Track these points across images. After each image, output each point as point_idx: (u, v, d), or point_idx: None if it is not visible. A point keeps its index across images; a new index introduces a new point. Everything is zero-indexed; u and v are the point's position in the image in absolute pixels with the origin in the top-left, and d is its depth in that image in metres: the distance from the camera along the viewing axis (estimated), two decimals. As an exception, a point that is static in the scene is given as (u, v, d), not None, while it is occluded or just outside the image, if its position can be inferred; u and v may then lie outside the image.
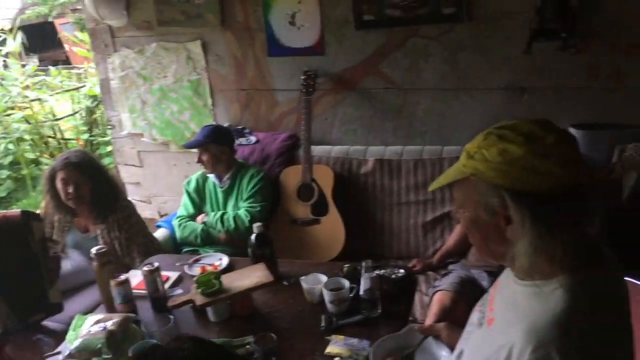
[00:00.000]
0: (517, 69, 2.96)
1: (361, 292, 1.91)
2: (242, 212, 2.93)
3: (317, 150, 3.24)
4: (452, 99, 3.12)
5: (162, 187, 3.95)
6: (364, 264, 1.91)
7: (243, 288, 1.93)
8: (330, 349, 1.73)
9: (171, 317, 1.80)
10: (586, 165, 2.73)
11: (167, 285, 2.21)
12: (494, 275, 2.37)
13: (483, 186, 1.05)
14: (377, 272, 2.03)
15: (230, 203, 3.03)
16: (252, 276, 2.00)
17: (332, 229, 3.04)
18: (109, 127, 4.00)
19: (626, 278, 1.93)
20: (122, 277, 2.01)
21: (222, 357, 1.00)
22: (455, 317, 2.04)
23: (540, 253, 1.01)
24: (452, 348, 1.41)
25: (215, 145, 2.96)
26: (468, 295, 2.32)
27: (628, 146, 2.78)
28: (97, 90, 5.38)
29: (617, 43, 2.77)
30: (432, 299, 2.44)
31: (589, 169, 2.78)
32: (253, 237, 2.17)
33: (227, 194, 3.04)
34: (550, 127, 1.03)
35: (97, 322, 1.78)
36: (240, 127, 3.52)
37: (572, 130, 2.85)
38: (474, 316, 1.27)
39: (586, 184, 1.04)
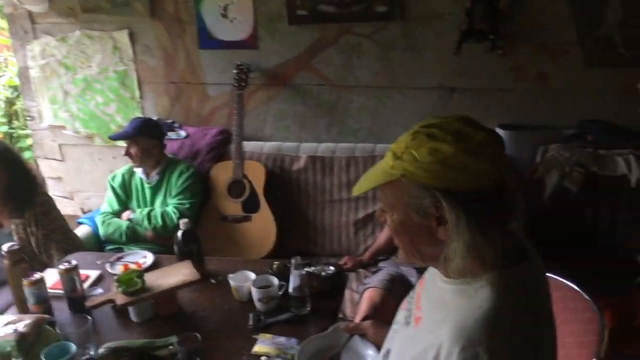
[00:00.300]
0: (447, 69, 3.01)
1: (290, 290, 1.87)
2: (170, 209, 2.83)
3: (249, 146, 3.18)
4: (384, 97, 3.14)
5: (85, 183, 3.76)
6: (293, 260, 1.87)
7: (167, 287, 1.86)
8: (257, 348, 1.68)
9: (89, 318, 1.70)
10: (511, 164, 2.81)
11: (86, 285, 2.09)
12: (422, 271, 2.39)
13: (414, 187, 1.02)
14: (306, 269, 2.00)
15: (158, 199, 2.92)
16: (177, 274, 1.92)
17: (263, 227, 2.99)
18: (28, 118, 3.77)
19: (548, 274, 2.01)
20: (36, 276, 1.88)
21: None
22: (385, 314, 2.02)
23: (473, 252, 0.99)
24: (378, 347, 1.39)
25: (145, 138, 2.84)
26: (398, 292, 2.32)
27: (551, 147, 2.88)
28: (17, 81, 5.07)
29: (543, 46, 2.87)
30: (362, 296, 2.44)
31: (515, 169, 2.86)
32: (179, 233, 2.09)
33: (155, 189, 2.93)
34: (476, 125, 1.02)
35: (8, 323, 1.66)
36: (169, 120, 3.41)
37: (499, 131, 2.92)
38: (401, 315, 1.25)
39: (512, 181, 1.04)
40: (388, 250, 2.82)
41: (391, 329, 1.28)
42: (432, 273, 1.18)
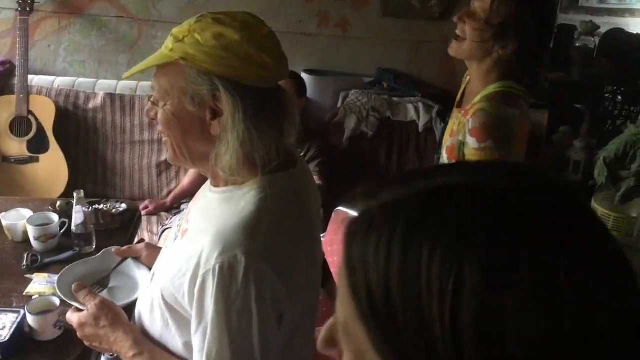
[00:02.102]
0: (254, 10, 2.86)
1: (73, 227, 1.73)
2: None
3: (36, 80, 2.85)
4: (190, 35, 3.00)
5: None
6: (75, 194, 1.72)
7: None
8: (30, 289, 1.53)
9: None
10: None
11: None
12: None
13: (193, 72, 0.95)
14: (95, 206, 1.87)
15: None
16: None
17: (53, 169, 2.72)
18: None
19: (339, 208, 2.10)
20: None
21: None
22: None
23: (245, 149, 0.96)
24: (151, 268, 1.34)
25: None
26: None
27: (351, 92, 3.02)
28: None
29: (344, -7, 2.95)
30: (159, 239, 2.36)
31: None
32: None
33: None
34: (262, 22, 1.01)
35: None
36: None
37: (304, 75, 2.98)
38: (172, 232, 1.21)
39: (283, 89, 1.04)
40: (193, 193, 2.74)
41: (163, 248, 1.23)
42: (202, 188, 1.15)
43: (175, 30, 1.00)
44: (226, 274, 0.90)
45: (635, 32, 4.84)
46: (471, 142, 1.46)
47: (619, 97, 4.40)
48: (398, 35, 3.03)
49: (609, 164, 1.95)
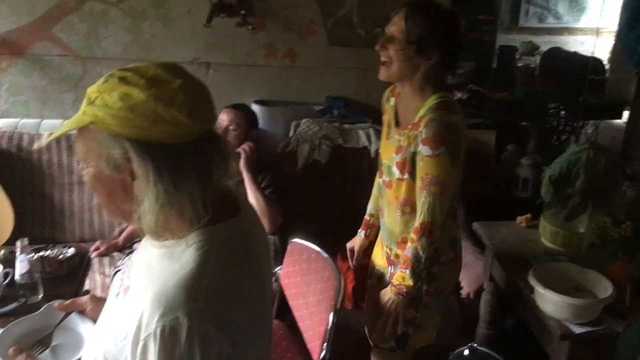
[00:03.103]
0: (201, 43, 2.96)
1: (17, 277, 1.66)
2: None
3: (-24, 123, 2.76)
4: (136, 70, 2.97)
5: None
6: (19, 243, 1.67)
7: None
8: (-28, 346, 1.45)
9: None
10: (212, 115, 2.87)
11: None
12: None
13: (104, 136, 0.91)
14: (40, 253, 1.81)
15: None
16: None
17: (-3, 214, 2.62)
18: None
19: (294, 240, 2.08)
20: None
21: None
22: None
23: (168, 209, 0.92)
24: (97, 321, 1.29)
25: None
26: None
27: (302, 121, 3.03)
28: None
29: (291, 25, 2.98)
30: (112, 280, 2.29)
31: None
32: None
33: None
34: (177, 71, 0.95)
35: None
36: None
37: (255, 107, 2.98)
38: (115, 285, 1.16)
39: (217, 135, 1.01)
40: (145, 232, 2.70)
41: (107, 302, 1.19)
42: (145, 239, 1.09)
43: (90, 90, 0.96)
44: (168, 338, 0.87)
45: (573, 50, 5.03)
46: (425, 150, 1.61)
47: (562, 113, 4.54)
48: (345, 63, 3.07)
49: (555, 182, 2.01)
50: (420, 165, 1.64)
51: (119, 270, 2.29)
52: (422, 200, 1.65)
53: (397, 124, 1.79)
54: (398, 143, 1.73)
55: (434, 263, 1.76)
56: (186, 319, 0.87)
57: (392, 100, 1.84)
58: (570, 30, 6.91)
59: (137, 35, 2.91)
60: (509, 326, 2.52)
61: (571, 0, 5.93)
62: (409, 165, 1.69)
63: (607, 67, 5.04)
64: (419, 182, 1.66)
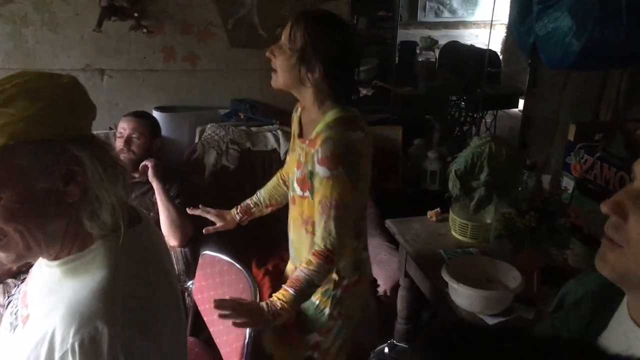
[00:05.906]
0: (93, 49, 2.78)
1: None
2: None
3: None
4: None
5: None
6: None
7: None
8: None
9: None
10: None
11: None
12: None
13: (31, 147, 0.85)
14: None
15: None
16: None
17: None
18: None
19: (206, 252, 2.00)
20: None
21: None
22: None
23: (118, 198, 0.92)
24: None
25: None
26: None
27: (207, 127, 2.92)
28: None
29: (189, 27, 2.86)
30: (7, 309, 2.10)
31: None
32: None
33: None
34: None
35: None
36: None
37: (156, 114, 2.84)
38: (5, 323, 1.05)
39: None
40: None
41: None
42: (37, 265, 1.03)
43: None
44: (88, 349, 0.82)
45: (469, 43, 5.24)
46: (322, 171, 1.50)
47: (463, 105, 4.72)
48: (248, 65, 2.99)
49: (460, 176, 2.04)
50: (317, 187, 1.53)
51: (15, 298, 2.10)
52: (322, 226, 1.52)
53: (300, 135, 1.69)
54: (299, 157, 1.63)
55: (337, 287, 1.68)
56: (106, 327, 0.83)
57: (299, 110, 1.74)
58: (465, 24, 7.23)
59: (20, 43, 2.69)
60: (426, 320, 2.55)
61: (465, -6, 6.19)
62: (308, 183, 1.58)
63: (501, 58, 5.29)
64: (317, 207, 1.54)
